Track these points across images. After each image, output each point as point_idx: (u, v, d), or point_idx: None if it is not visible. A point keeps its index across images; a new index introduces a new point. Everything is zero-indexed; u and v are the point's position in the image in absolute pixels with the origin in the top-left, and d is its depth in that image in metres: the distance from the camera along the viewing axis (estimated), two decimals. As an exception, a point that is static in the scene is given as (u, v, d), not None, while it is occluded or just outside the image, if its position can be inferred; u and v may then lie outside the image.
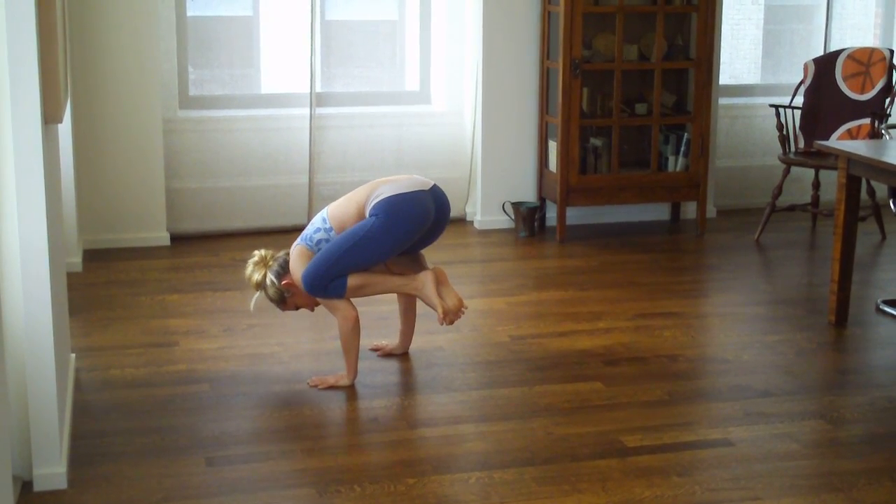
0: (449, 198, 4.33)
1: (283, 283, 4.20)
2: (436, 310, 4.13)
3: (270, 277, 4.20)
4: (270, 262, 4.23)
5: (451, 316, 4.16)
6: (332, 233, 4.14)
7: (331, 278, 4.07)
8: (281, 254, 4.27)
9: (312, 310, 4.37)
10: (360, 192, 4.18)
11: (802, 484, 3.41)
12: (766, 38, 7.59)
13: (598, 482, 3.39)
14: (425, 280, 4.14)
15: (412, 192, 4.10)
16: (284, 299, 4.25)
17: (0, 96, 3.06)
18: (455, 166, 6.74)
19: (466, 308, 4.24)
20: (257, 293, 4.27)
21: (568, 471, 3.46)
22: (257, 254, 4.27)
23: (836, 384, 4.30)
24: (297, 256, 4.18)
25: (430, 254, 4.45)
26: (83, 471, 3.43)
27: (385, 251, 4.08)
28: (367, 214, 4.10)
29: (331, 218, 4.17)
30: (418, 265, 4.29)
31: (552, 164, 6.49)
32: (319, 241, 4.15)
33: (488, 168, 6.63)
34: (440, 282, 4.18)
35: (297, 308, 4.32)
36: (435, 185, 4.23)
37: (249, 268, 4.26)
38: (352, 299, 4.17)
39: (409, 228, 4.08)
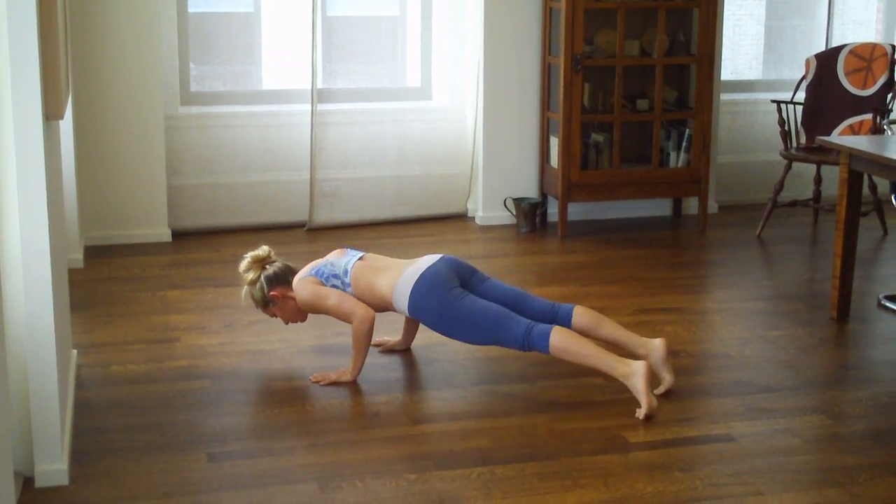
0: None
1: (272, 293, 4.22)
2: (640, 402, 3.82)
3: (262, 282, 4.24)
4: (267, 267, 4.26)
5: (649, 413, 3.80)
6: (350, 289, 4.15)
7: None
8: (280, 262, 4.29)
9: (287, 324, 4.40)
10: (382, 283, 4.12)
11: (804, 479, 3.40)
12: (768, 33, 7.59)
13: (599, 477, 3.39)
14: (636, 370, 3.84)
15: (422, 271, 4.07)
16: (267, 304, 4.29)
17: (1, 93, 3.06)
18: (456, 162, 6.73)
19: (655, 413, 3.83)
20: (246, 287, 4.31)
21: (570, 466, 3.46)
22: (263, 250, 4.31)
23: (838, 379, 4.30)
24: (307, 285, 4.19)
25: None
26: (84, 467, 3.43)
27: (459, 306, 4.00)
28: (392, 304, 4.11)
29: (354, 279, 4.15)
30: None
31: (553, 160, 6.48)
32: (333, 286, 4.17)
33: (490, 164, 6.63)
34: (664, 359, 4.03)
35: (274, 316, 4.36)
36: (443, 256, 4.22)
37: (247, 261, 4.30)
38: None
39: (447, 286, 4.03)
